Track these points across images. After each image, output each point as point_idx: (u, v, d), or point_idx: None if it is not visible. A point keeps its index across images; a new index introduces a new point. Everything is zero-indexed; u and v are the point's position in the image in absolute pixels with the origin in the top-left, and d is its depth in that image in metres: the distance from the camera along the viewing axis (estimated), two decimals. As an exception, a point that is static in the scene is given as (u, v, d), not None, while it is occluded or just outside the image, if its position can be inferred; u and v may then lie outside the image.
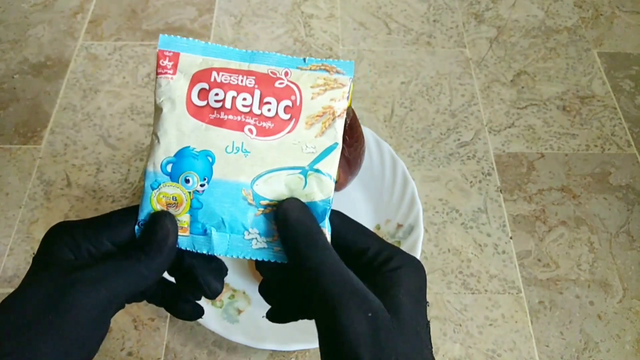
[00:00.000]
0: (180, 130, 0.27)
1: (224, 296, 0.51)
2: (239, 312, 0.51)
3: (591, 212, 0.60)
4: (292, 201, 0.27)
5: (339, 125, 0.28)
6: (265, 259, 0.28)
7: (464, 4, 0.79)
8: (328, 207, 0.27)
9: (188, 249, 0.28)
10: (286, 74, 0.27)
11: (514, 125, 0.67)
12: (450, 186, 0.61)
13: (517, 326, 0.53)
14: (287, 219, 0.26)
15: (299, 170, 0.27)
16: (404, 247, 0.53)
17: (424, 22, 0.77)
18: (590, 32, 0.77)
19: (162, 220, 0.27)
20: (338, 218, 0.28)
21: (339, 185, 0.57)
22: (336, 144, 0.28)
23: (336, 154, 0.28)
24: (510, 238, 0.58)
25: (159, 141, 0.27)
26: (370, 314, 0.23)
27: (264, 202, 0.27)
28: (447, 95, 0.69)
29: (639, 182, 0.62)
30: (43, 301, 0.24)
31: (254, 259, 0.28)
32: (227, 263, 0.31)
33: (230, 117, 0.27)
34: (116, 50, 0.73)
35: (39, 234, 0.57)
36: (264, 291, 0.31)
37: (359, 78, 0.70)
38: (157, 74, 0.28)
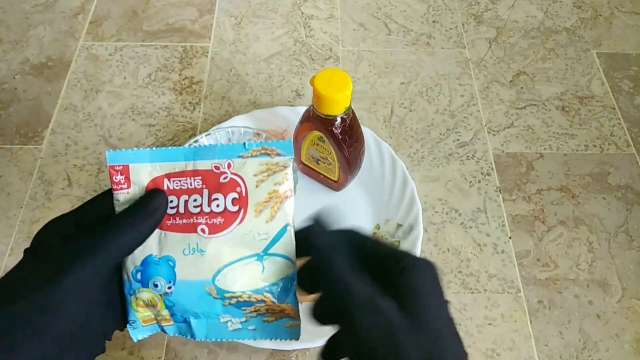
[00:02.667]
0: None
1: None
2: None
3: (590, 212, 0.60)
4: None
5: (288, 206, 0.29)
6: (242, 339, 0.29)
7: (463, 5, 0.79)
8: (291, 285, 0.29)
9: (176, 334, 0.30)
10: (229, 165, 0.29)
11: (513, 126, 0.67)
12: (450, 186, 0.62)
13: (516, 325, 0.53)
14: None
15: (255, 258, 0.28)
16: (403, 247, 0.53)
17: (423, 23, 0.77)
18: (589, 32, 0.77)
19: (155, 195, 0.28)
20: (359, 235, 0.30)
21: (339, 185, 0.58)
22: (287, 225, 0.29)
23: (289, 234, 0.29)
24: (510, 238, 0.58)
25: None
26: (383, 318, 0.25)
27: (227, 295, 0.28)
28: (447, 95, 0.69)
29: (637, 182, 0.63)
30: (36, 275, 0.26)
31: (232, 340, 0.29)
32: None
33: (184, 221, 0.28)
34: (117, 51, 0.73)
35: (40, 233, 0.58)
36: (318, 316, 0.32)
37: (359, 78, 0.71)
38: (113, 190, 0.29)
